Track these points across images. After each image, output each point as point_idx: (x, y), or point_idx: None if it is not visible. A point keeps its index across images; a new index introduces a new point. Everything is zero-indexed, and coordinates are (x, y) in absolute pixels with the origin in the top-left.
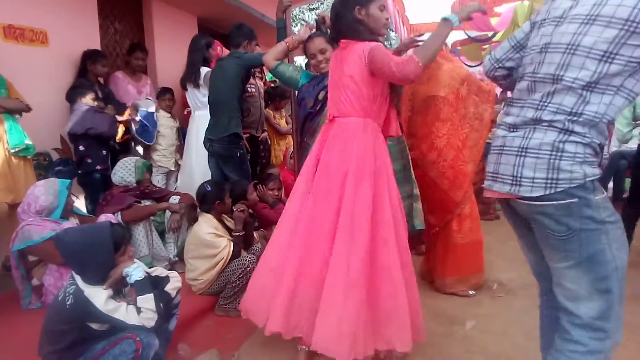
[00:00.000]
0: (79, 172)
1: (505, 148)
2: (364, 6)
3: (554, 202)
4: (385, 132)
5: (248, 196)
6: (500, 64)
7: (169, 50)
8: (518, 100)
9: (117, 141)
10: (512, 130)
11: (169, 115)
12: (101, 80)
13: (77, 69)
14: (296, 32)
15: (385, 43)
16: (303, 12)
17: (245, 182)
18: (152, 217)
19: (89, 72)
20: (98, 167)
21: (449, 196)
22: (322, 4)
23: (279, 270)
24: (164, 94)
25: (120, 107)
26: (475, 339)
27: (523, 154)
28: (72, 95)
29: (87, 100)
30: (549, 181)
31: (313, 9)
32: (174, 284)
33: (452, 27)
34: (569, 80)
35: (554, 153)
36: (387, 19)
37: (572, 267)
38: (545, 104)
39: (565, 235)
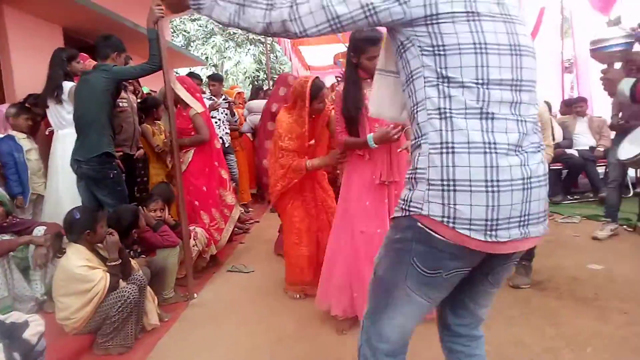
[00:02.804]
0: None
1: (532, 180)
2: (356, 55)
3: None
4: None
5: (140, 223)
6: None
7: (29, 64)
8: (502, 113)
9: None
10: (518, 152)
11: (25, 136)
12: None
13: None
14: (176, 43)
15: None
16: (184, 23)
17: (133, 207)
18: (11, 254)
19: None
20: None
21: None
22: None
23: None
24: (19, 114)
25: None
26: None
27: (545, 182)
28: None
29: None
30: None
31: (195, 19)
32: (34, 329)
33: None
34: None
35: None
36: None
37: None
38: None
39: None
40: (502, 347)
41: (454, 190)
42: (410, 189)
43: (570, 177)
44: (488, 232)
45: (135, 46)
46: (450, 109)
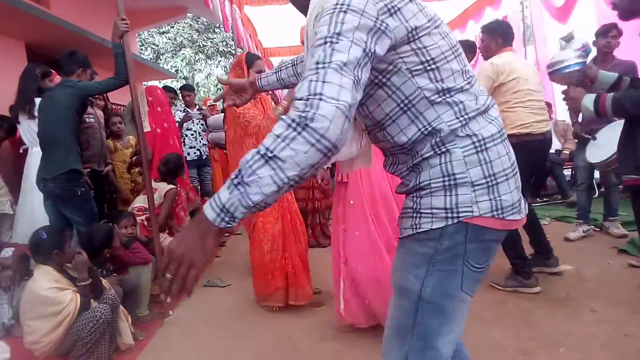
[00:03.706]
0: None
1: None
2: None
3: None
4: None
5: (114, 242)
6: None
7: None
8: (487, 105)
9: None
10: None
11: None
12: None
13: None
14: (144, 57)
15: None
16: (153, 36)
17: (107, 226)
18: None
19: None
20: None
21: None
22: (172, 27)
23: None
24: None
25: None
26: None
27: None
28: None
29: None
30: None
31: (163, 32)
32: None
33: None
34: None
35: None
36: None
37: None
38: None
39: None
40: (480, 351)
41: (497, 184)
42: (446, 195)
43: (539, 180)
44: (522, 210)
45: (101, 61)
46: (466, 113)
